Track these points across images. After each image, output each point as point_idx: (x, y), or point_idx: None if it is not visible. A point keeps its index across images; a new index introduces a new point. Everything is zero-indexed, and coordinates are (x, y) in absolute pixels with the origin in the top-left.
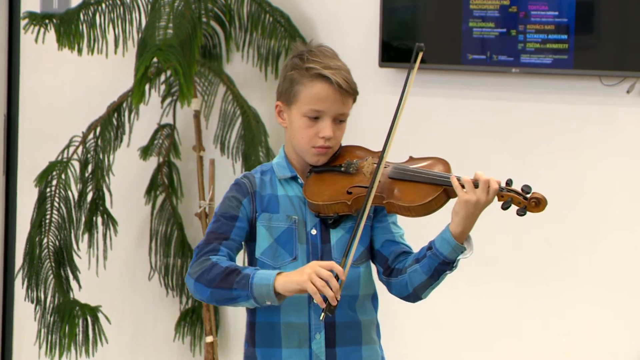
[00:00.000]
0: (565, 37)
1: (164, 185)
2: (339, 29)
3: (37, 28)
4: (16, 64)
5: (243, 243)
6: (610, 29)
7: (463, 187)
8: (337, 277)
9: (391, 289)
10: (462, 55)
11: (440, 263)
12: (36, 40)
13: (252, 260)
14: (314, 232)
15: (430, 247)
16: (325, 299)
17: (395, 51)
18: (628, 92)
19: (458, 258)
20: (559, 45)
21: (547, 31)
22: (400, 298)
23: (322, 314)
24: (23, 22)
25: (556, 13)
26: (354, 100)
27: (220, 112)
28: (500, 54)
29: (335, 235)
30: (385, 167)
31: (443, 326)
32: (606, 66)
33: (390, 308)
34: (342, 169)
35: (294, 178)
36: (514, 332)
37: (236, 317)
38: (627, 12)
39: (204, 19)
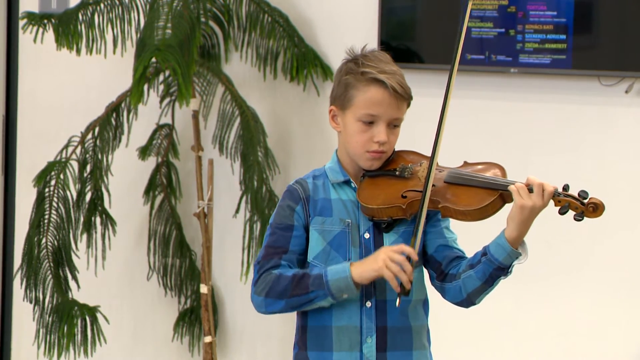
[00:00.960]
0: (563, 37)
1: (162, 185)
2: (338, 29)
3: (35, 28)
4: (15, 64)
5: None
6: (608, 29)
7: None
8: (408, 259)
9: (445, 295)
10: (461, 55)
11: (495, 269)
12: (35, 41)
13: (304, 264)
14: (367, 235)
15: (484, 252)
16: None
17: (393, 51)
18: (626, 92)
19: (513, 263)
20: (558, 45)
21: (545, 31)
22: (454, 303)
23: (398, 299)
24: (21, 22)
25: (555, 13)
26: (408, 105)
27: (218, 112)
28: (498, 54)
29: (389, 240)
30: (440, 172)
31: (440, 325)
32: (605, 66)
33: None
34: (397, 173)
35: (346, 182)
36: (512, 332)
37: (234, 317)
38: (625, 12)
39: (203, 19)
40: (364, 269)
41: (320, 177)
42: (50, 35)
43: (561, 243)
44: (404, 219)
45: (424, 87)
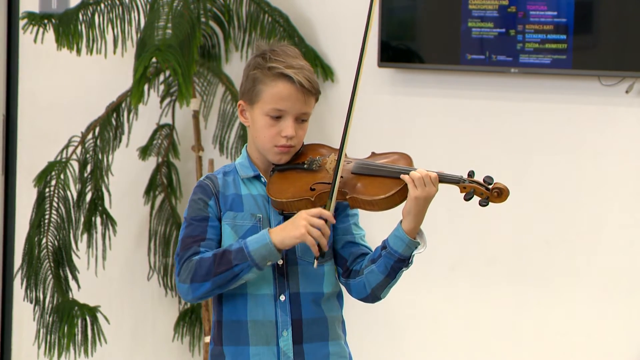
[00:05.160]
0: (564, 37)
1: (162, 185)
2: (338, 29)
3: (36, 28)
4: (15, 64)
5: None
6: (609, 29)
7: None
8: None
9: (351, 291)
10: (461, 55)
11: (395, 261)
12: (35, 41)
13: None
14: None
15: (384, 246)
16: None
17: (394, 51)
18: (627, 92)
19: (413, 254)
20: (558, 45)
21: (546, 31)
22: (360, 299)
23: (315, 261)
24: (22, 22)
25: (555, 13)
26: (317, 100)
27: (219, 112)
28: (499, 54)
29: None
30: (348, 163)
31: (442, 326)
32: (605, 66)
33: (388, 307)
34: (305, 166)
35: (256, 177)
36: (512, 332)
37: None
38: (626, 12)
39: (203, 19)
40: (285, 236)
41: (231, 173)
42: (50, 35)
43: (560, 243)
44: None
45: (424, 87)
